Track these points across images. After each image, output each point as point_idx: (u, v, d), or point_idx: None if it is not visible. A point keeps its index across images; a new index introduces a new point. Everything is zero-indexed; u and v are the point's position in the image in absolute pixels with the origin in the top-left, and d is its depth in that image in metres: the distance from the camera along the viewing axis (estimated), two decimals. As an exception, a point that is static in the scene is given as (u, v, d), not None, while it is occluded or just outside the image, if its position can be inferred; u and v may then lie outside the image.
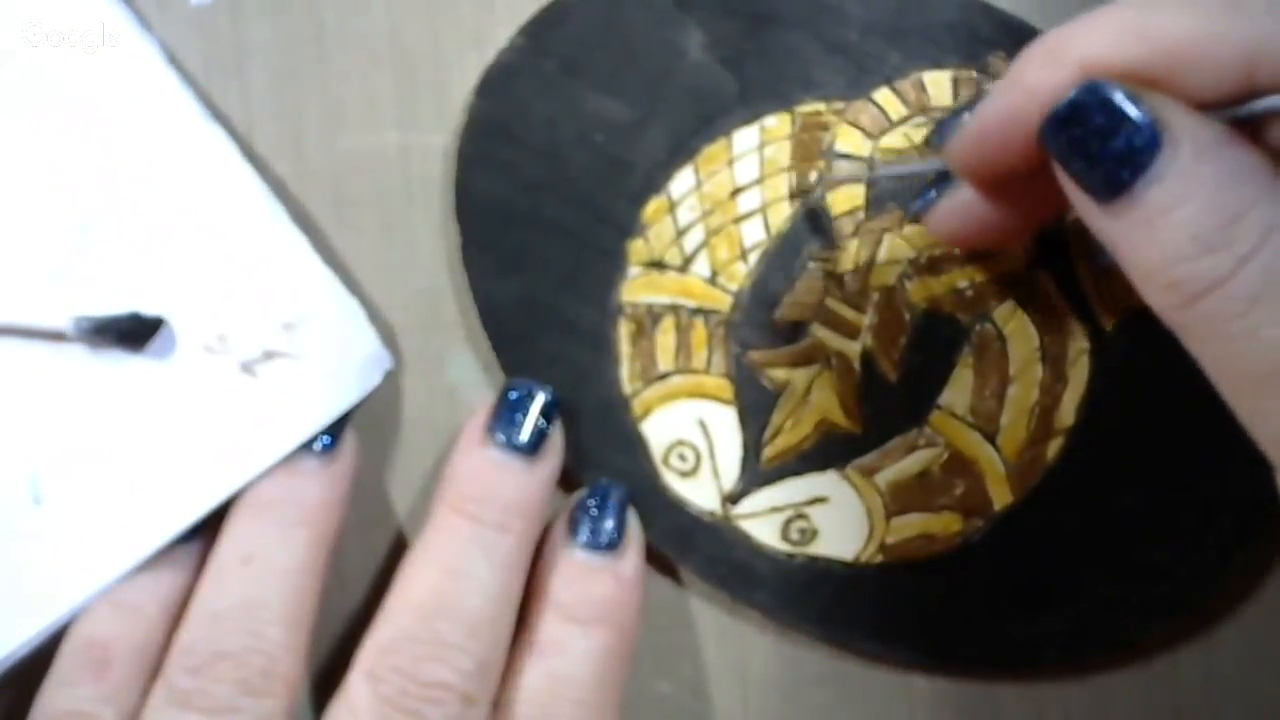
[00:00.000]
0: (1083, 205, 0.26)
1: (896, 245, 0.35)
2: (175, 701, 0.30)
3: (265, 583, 0.31)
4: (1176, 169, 0.25)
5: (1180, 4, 0.26)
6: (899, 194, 0.35)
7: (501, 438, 0.33)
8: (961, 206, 0.32)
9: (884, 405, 0.35)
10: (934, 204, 0.33)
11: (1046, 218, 0.32)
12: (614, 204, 0.35)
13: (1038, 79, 0.27)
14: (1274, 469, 0.25)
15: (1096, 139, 0.25)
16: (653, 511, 0.35)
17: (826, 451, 0.35)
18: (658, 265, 0.35)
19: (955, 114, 0.35)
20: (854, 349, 0.35)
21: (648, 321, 0.35)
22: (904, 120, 0.35)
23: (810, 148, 0.35)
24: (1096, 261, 0.34)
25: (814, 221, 0.35)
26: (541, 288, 0.35)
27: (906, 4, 0.35)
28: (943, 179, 0.32)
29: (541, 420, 0.33)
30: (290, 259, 0.34)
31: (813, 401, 0.35)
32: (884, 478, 0.35)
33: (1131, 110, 0.25)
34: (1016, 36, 0.35)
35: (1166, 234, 0.25)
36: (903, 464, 0.35)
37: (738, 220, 0.35)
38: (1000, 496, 0.35)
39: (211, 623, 0.31)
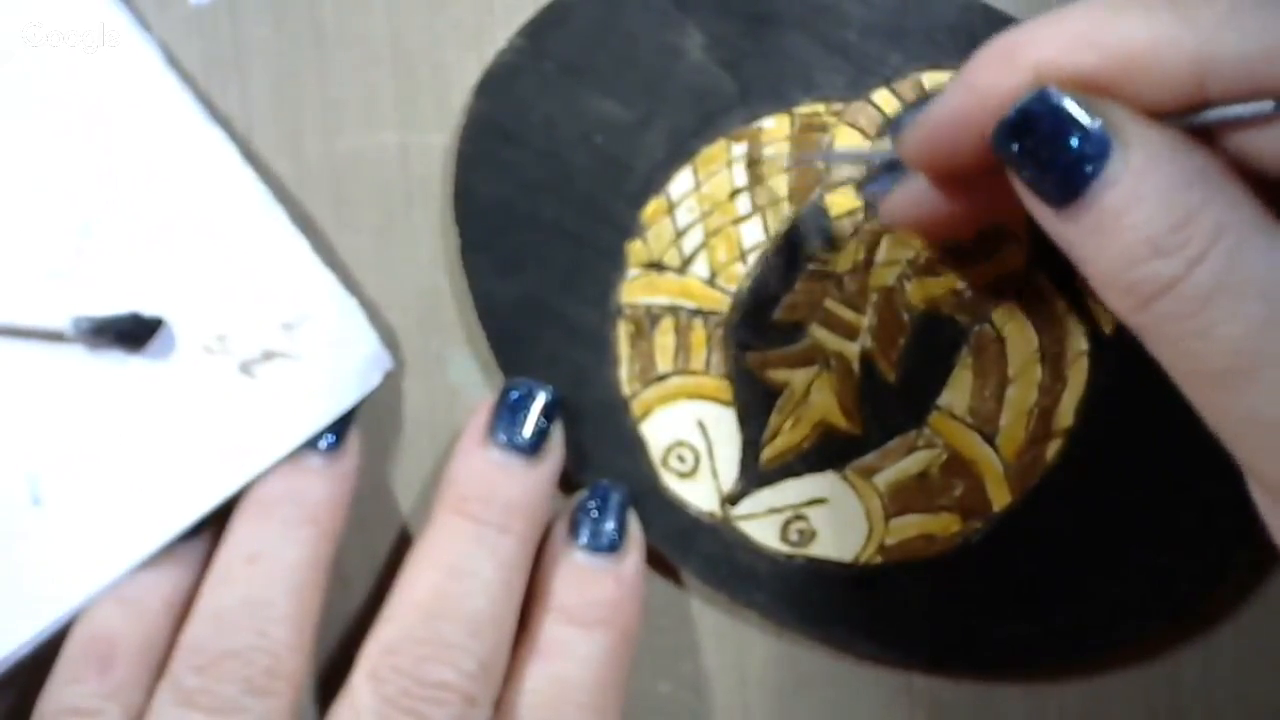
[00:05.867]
0: (1038, 210, 0.26)
1: (895, 246, 0.35)
2: (180, 700, 0.30)
3: (270, 581, 0.31)
4: (1128, 174, 0.25)
5: (1133, 12, 0.26)
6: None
7: (503, 437, 0.33)
8: (916, 195, 0.31)
9: (883, 406, 0.35)
10: (889, 190, 0.32)
11: (1003, 210, 0.32)
12: (613, 205, 0.35)
13: (990, 82, 0.27)
14: (1240, 465, 0.26)
15: (1048, 146, 0.25)
16: (652, 512, 0.35)
17: (826, 452, 0.35)
18: (657, 266, 0.35)
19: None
20: (853, 350, 0.35)
21: (647, 323, 0.35)
22: (903, 121, 0.35)
23: (809, 149, 0.35)
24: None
25: (812, 222, 0.35)
26: (541, 288, 0.35)
27: (907, 5, 0.35)
28: (898, 164, 0.32)
29: (542, 420, 0.33)
30: (290, 259, 0.34)
31: (812, 402, 0.35)
32: (883, 479, 0.35)
33: (1082, 117, 0.25)
34: (1016, 38, 0.35)
35: (1119, 238, 0.25)
36: (902, 465, 0.35)
37: (736, 221, 0.35)
38: (999, 497, 0.35)
39: (217, 621, 0.31)
